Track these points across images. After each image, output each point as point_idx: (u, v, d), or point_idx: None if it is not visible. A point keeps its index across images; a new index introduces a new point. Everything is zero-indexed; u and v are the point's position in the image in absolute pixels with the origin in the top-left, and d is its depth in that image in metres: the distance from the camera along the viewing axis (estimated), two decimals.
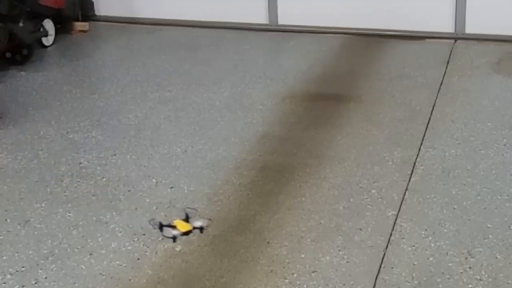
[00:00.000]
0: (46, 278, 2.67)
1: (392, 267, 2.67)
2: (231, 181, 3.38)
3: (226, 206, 3.15)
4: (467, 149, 3.66)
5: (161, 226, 2.91)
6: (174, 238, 2.84)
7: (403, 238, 2.86)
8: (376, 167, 3.47)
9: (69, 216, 3.12)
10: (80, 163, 3.63)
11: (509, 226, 2.92)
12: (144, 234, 2.94)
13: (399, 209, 3.08)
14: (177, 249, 2.83)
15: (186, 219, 2.96)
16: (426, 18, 5.66)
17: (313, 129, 3.97)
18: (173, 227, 2.91)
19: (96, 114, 4.30)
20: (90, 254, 2.81)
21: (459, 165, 3.47)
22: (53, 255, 2.82)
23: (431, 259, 2.71)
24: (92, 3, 6.59)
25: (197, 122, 4.12)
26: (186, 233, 2.87)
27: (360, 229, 2.93)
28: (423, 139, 3.77)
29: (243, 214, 3.08)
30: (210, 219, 2.97)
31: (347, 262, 2.71)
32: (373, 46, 5.55)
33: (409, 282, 2.58)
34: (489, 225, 2.93)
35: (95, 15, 6.59)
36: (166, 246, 2.85)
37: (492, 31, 5.48)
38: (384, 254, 2.75)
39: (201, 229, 2.89)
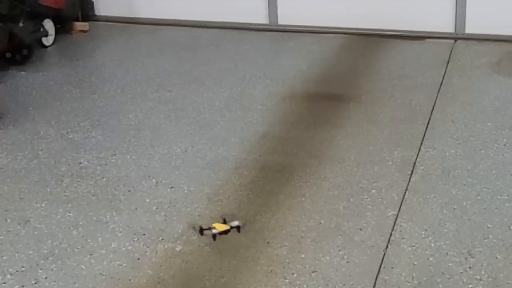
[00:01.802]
0: (46, 278, 2.67)
1: (392, 267, 2.67)
2: (231, 181, 3.38)
3: (226, 206, 3.15)
4: (467, 149, 3.66)
5: (201, 230, 2.95)
6: (214, 237, 2.91)
7: (403, 238, 2.86)
8: (376, 167, 3.47)
9: (69, 216, 3.12)
10: (80, 163, 3.63)
11: (509, 226, 2.92)
12: (144, 234, 2.94)
13: (399, 209, 3.08)
14: (177, 249, 2.83)
15: (224, 222, 3.00)
16: (426, 18, 5.66)
17: (313, 129, 3.97)
18: (213, 228, 2.96)
19: (96, 114, 4.30)
20: (90, 254, 2.81)
21: (459, 165, 3.47)
22: (53, 255, 2.82)
23: (431, 259, 2.71)
24: (92, 3, 6.59)
25: (197, 122, 4.12)
26: (225, 232, 2.94)
27: (360, 229, 2.93)
28: (423, 139, 3.77)
29: (243, 214, 3.08)
30: (243, 222, 3.00)
31: (347, 262, 2.71)
32: (373, 46, 5.55)
33: (409, 282, 2.58)
34: (489, 225, 2.93)
35: (95, 15, 6.60)
36: (166, 246, 2.85)
37: (492, 31, 5.48)
38: (384, 254, 2.75)
39: (238, 228, 2.96)
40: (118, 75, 5.04)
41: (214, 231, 2.94)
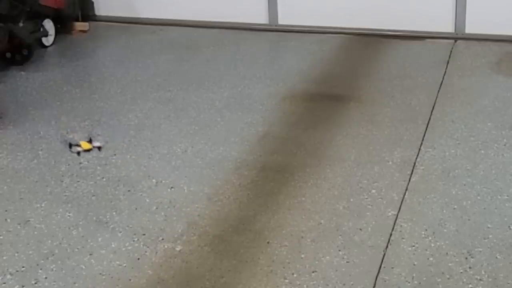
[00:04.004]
0: (46, 278, 2.67)
1: (392, 267, 2.67)
2: (231, 181, 3.39)
3: (226, 206, 3.15)
4: (467, 149, 3.66)
5: (70, 146, 3.69)
6: (78, 153, 3.65)
7: (403, 238, 2.86)
8: (376, 167, 3.47)
9: (69, 216, 3.12)
10: (80, 163, 3.63)
11: (509, 226, 2.92)
12: (144, 234, 2.94)
13: (399, 209, 3.08)
14: (177, 249, 2.83)
15: (90, 141, 3.74)
16: (426, 18, 5.67)
17: (313, 129, 3.97)
18: (79, 146, 3.70)
19: (96, 114, 4.30)
20: (90, 254, 2.81)
21: (459, 165, 3.47)
22: (53, 255, 2.82)
23: (431, 259, 2.71)
24: (92, 3, 6.60)
25: (197, 122, 4.12)
26: (88, 150, 3.69)
27: (360, 229, 2.93)
28: (423, 139, 3.77)
29: (243, 214, 3.08)
30: (106, 142, 3.74)
31: (347, 262, 2.71)
32: (373, 46, 5.55)
33: (409, 282, 2.58)
34: (489, 225, 2.93)
35: (95, 15, 6.60)
36: (166, 246, 2.85)
37: (492, 31, 5.48)
38: (384, 254, 2.75)
39: (99, 148, 3.69)
40: (118, 75, 5.05)
41: (78, 149, 3.65)
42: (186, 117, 4.21)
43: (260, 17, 6.14)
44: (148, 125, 4.11)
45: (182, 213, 3.10)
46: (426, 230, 2.90)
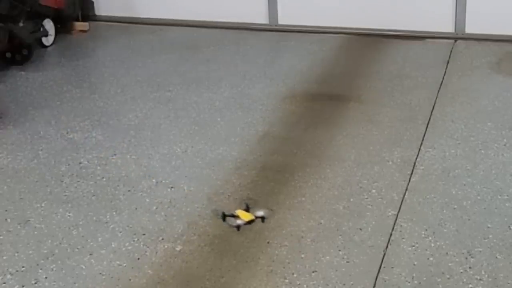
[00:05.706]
0: (46, 278, 2.67)
1: (392, 267, 2.67)
2: (231, 181, 3.38)
3: (226, 206, 3.15)
4: (467, 149, 3.66)
5: (224, 216, 2.98)
6: (238, 227, 2.91)
7: (403, 238, 2.86)
8: (376, 167, 3.47)
9: (69, 216, 3.12)
10: (80, 163, 3.63)
11: (509, 226, 2.92)
12: (144, 234, 2.94)
13: (399, 209, 3.08)
14: (177, 249, 2.83)
15: (247, 209, 3.03)
16: (426, 18, 5.67)
17: (313, 129, 3.97)
18: (236, 216, 2.97)
19: (96, 114, 4.30)
20: (90, 254, 2.81)
21: (459, 165, 3.47)
22: (53, 255, 2.82)
23: (431, 259, 2.71)
24: (92, 3, 6.59)
25: (197, 122, 4.12)
26: (249, 222, 2.94)
27: (360, 229, 2.93)
28: (423, 139, 3.77)
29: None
30: (271, 209, 3.05)
31: (347, 262, 2.71)
32: (373, 46, 5.55)
33: (409, 282, 2.58)
34: (489, 225, 2.93)
35: (95, 15, 6.60)
36: (166, 246, 2.85)
37: (492, 31, 5.48)
38: (384, 254, 2.75)
39: (262, 218, 2.96)
40: (118, 75, 5.04)
41: (238, 221, 2.93)
42: (186, 117, 4.21)
43: (260, 17, 6.14)
44: (148, 125, 4.11)
45: (182, 213, 3.10)
46: (426, 230, 2.90)
